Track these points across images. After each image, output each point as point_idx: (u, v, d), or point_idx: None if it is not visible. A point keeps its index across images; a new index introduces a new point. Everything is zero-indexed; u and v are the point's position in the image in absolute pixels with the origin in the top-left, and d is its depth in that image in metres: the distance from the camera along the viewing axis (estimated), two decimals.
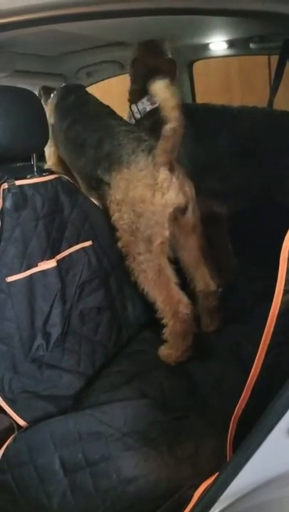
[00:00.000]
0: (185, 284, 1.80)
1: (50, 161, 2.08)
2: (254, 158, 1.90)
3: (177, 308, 1.68)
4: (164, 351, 1.74)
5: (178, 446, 1.31)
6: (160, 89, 1.49)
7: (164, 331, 1.73)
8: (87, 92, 2.08)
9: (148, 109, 2.01)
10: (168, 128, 1.53)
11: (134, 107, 2.02)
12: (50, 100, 2.08)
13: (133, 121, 2.03)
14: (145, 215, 1.63)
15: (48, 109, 2.01)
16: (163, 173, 1.61)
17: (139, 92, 2.02)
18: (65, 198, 1.69)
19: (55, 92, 2.10)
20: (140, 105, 2.01)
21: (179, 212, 1.68)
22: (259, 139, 1.88)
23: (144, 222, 1.63)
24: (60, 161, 2.07)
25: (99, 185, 1.78)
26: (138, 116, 2.01)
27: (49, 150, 2.08)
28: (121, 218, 1.68)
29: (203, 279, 1.84)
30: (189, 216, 1.72)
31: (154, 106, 1.97)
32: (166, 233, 1.65)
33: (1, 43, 1.70)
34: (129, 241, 1.68)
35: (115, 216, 1.71)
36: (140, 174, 1.62)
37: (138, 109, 2.01)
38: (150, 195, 1.61)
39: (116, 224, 1.72)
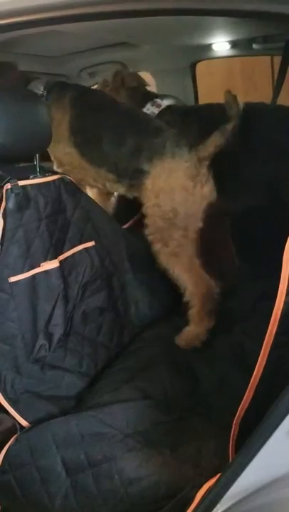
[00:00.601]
0: None
1: (69, 166, 2.06)
2: (258, 154, 1.91)
3: (207, 289, 1.82)
4: (190, 333, 1.83)
5: (180, 446, 1.31)
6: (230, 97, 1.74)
7: (189, 313, 1.84)
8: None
9: (156, 112, 2.15)
10: (230, 125, 1.71)
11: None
12: (55, 98, 2.04)
13: None
14: (185, 204, 1.75)
15: (59, 107, 2.00)
16: (204, 168, 1.76)
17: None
18: (67, 199, 1.69)
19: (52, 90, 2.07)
20: (146, 111, 2.14)
21: (211, 207, 1.80)
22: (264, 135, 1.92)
23: (184, 210, 1.75)
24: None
25: (133, 175, 1.86)
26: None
27: (63, 152, 2.04)
28: (156, 205, 1.77)
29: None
30: (217, 212, 1.85)
31: (160, 109, 2.15)
32: (201, 224, 1.78)
33: (4, 44, 1.70)
34: (163, 227, 1.77)
35: (150, 203, 1.80)
36: (184, 165, 1.74)
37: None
38: (192, 185, 1.74)
39: (148, 210, 1.82)
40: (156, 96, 2.26)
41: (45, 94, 2.01)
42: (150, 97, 2.22)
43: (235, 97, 1.75)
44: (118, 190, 1.98)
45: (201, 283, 1.81)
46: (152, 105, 2.16)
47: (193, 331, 1.83)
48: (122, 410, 1.44)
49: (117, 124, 1.90)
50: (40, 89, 2.02)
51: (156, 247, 1.81)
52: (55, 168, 2.07)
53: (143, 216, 1.87)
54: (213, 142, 1.74)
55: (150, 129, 1.85)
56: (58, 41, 1.98)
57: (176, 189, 1.75)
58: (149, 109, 2.15)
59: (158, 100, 2.20)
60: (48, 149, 1.97)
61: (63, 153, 2.02)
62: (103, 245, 1.82)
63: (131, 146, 1.83)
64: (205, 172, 1.77)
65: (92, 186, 2.12)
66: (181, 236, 1.76)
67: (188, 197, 1.75)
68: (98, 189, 2.13)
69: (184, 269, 1.79)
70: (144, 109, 2.14)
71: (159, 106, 2.16)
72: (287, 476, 0.90)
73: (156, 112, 2.15)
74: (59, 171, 1.99)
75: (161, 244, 1.80)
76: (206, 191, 1.77)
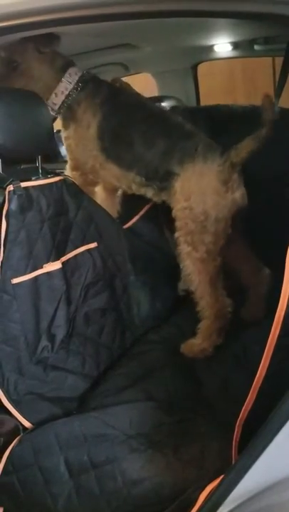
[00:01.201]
0: None
1: (90, 169, 1.97)
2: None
3: (223, 305, 1.80)
4: (195, 346, 1.81)
5: (183, 448, 1.31)
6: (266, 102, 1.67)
7: (199, 326, 1.83)
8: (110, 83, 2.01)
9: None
10: (264, 131, 1.67)
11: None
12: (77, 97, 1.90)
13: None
14: (216, 208, 1.73)
15: (89, 108, 1.89)
16: (236, 173, 1.74)
17: None
18: (70, 200, 1.69)
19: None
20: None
21: (239, 212, 1.79)
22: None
23: (215, 213, 1.73)
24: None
25: (163, 177, 1.83)
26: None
27: (88, 155, 1.94)
28: (187, 208, 1.76)
29: (256, 266, 1.98)
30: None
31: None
32: (229, 230, 1.78)
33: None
34: (194, 231, 1.76)
35: (180, 205, 1.78)
36: (216, 169, 1.73)
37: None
38: (224, 190, 1.73)
39: (178, 213, 1.79)
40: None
41: (77, 86, 1.89)
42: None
43: (271, 102, 1.70)
44: (146, 193, 1.93)
45: (218, 296, 1.80)
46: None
47: (200, 344, 1.81)
48: (125, 411, 1.44)
49: (148, 126, 1.85)
50: (69, 80, 1.88)
51: (186, 249, 1.78)
52: (68, 170, 2.03)
53: (171, 220, 1.84)
54: (247, 147, 1.71)
55: (182, 132, 1.82)
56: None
57: (208, 192, 1.74)
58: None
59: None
60: (66, 150, 1.98)
61: (88, 156, 1.94)
62: (106, 246, 1.83)
63: (162, 148, 1.80)
64: (236, 177, 1.75)
65: (113, 186, 2.06)
66: (211, 242, 1.75)
67: (219, 201, 1.74)
68: (121, 189, 2.08)
69: (208, 277, 1.78)
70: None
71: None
72: None
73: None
74: (69, 173, 1.97)
75: (191, 248, 1.77)
76: (237, 196, 1.76)
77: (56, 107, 1.90)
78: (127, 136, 1.86)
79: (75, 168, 1.99)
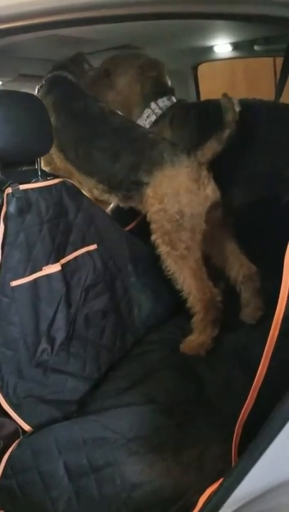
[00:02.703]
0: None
1: (54, 166, 2.05)
2: (255, 149, 1.91)
3: (211, 296, 1.82)
4: (193, 341, 1.83)
5: (183, 451, 1.30)
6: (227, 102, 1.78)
7: (192, 321, 1.85)
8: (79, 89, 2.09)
9: (168, 104, 2.12)
10: (226, 132, 1.76)
11: (153, 105, 2.11)
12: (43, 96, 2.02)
13: (153, 117, 2.11)
14: (191, 205, 1.78)
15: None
16: (204, 171, 1.81)
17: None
18: (69, 202, 1.69)
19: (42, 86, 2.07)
20: (160, 103, 2.11)
21: (213, 207, 1.86)
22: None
23: (190, 211, 1.78)
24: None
25: (129, 187, 1.89)
26: (159, 112, 2.11)
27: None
28: (162, 210, 1.80)
29: (244, 264, 2.02)
30: (219, 211, 1.93)
31: (171, 103, 2.13)
32: (204, 225, 1.82)
33: (6, 48, 1.70)
34: (170, 230, 1.80)
35: (154, 208, 1.82)
36: (186, 170, 1.79)
37: (159, 106, 2.11)
38: (196, 187, 1.79)
39: (154, 216, 1.83)
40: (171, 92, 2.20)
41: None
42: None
43: (231, 102, 1.77)
44: (109, 199, 2.00)
45: (205, 289, 1.82)
46: (168, 99, 2.12)
47: (197, 339, 1.83)
48: (125, 415, 1.43)
49: (109, 141, 1.89)
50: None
51: (165, 249, 1.82)
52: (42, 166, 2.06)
53: (146, 222, 1.87)
54: (210, 149, 1.79)
55: (146, 143, 1.85)
56: (60, 44, 1.98)
57: (181, 192, 1.78)
58: (164, 101, 2.12)
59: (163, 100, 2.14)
60: None
61: (52, 155, 2.00)
62: (106, 248, 1.82)
63: (127, 163, 1.85)
64: (206, 173, 1.81)
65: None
66: (189, 238, 1.79)
67: (193, 198, 1.78)
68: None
69: (191, 272, 1.81)
70: (159, 101, 2.11)
71: (171, 101, 2.13)
72: None
73: (169, 105, 2.11)
74: (46, 169, 1.98)
75: (169, 248, 1.81)
76: (208, 191, 1.81)
77: None
78: (83, 147, 1.92)
79: (46, 163, 2.04)
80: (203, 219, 1.81)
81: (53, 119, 1.84)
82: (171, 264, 1.83)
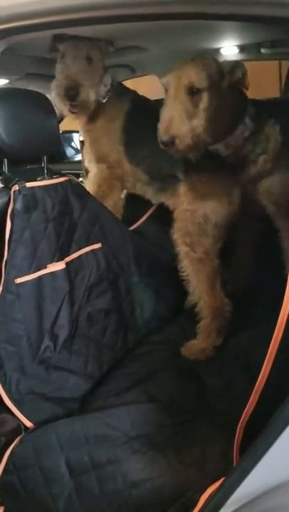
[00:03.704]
0: None
1: (113, 162, 2.04)
2: None
3: (221, 304, 1.83)
4: (195, 346, 1.82)
5: (185, 450, 1.31)
6: None
7: (198, 326, 1.85)
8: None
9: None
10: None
11: None
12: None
13: None
14: (216, 215, 1.81)
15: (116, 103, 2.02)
16: (237, 188, 1.83)
17: None
18: (74, 200, 1.70)
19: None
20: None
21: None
22: None
23: (214, 219, 1.81)
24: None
25: (164, 179, 1.93)
26: None
27: (111, 148, 2.02)
28: (189, 211, 1.83)
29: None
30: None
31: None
32: (225, 237, 1.87)
33: (13, 46, 1.71)
34: (192, 232, 1.81)
35: (182, 208, 1.85)
36: (221, 185, 1.82)
37: None
38: (226, 201, 1.81)
39: (180, 215, 1.85)
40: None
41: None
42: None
43: None
44: (146, 193, 2.02)
45: (216, 296, 1.83)
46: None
47: (199, 344, 1.83)
48: (127, 413, 1.43)
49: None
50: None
51: (184, 250, 1.83)
52: (90, 164, 2.09)
53: (171, 219, 1.89)
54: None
55: None
56: None
57: (210, 201, 1.81)
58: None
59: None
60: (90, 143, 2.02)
61: (112, 149, 2.01)
62: (110, 247, 1.83)
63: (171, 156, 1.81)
64: (238, 191, 1.84)
65: (126, 188, 2.14)
66: (209, 244, 1.81)
67: (220, 210, 1.81)
68: (130, 191, 2.15)
69: (206, 277, 1.81)
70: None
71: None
72: None
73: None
74: (93, 167, 2.03)
75: (189, 249, 1.82)
76: (235, 209, 1.83)
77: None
78: (141, 134, 1.92)
79: (100, 159, 2.04)
80: (224, 231, 1.84)
81: (124, 114, 1.97)
82: (188, 266, 1.84)
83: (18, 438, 1.37)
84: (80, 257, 1.70)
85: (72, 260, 1.67)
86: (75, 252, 1.69)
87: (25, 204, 1.50)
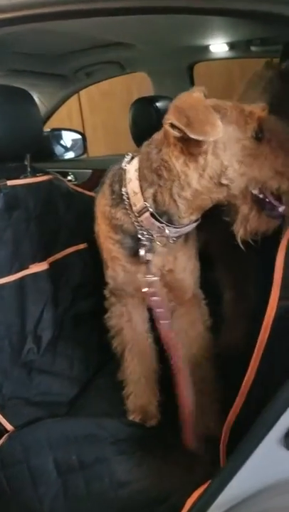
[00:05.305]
0: None
1: None
2: None
3: None
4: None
5: (173, 451, 1.29)
6: None
7: None
8: None
9: None
10: None
11: None
12: None
13: None
14: None
15: None
16: None
17: None
18: (59, 200, 1.67)
19: None
20: None
21: None
22: None
23: None
24: None
25: None
26: None
27: None
28: None
29: None
30: None
31: None
32: None
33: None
34: None
35: None
36: None
37: None
38: None
39: None
40: None
41: None
42: None
43: None
44: None
45: None
46: None
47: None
48: (118, 414, 1.42)
49: None
50: None
51: None
52: None
53: None
54: None
55: None
56: (54, 40, 1.96)
57: None
58: None
59: None
60: None
61: None
62: (96, 248, 1.80)
63: None
64: None
65: None
66: None
67: None
68: None
69: None
70: None
71: None
72: (278, 485, 0.88)
73: None
74: None
75: None
76: None
77: None
78: None
79: None
80: None
81: None
82: None
83: (7, 435, 1.35)
84: (64, 257, 1.67)
85: (56, 261, 1.64)
86: (59, 252, 1.66)
87: (6, 202, 1.47)
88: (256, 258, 1.56)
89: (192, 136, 1.00)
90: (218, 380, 1.40)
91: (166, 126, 1.06)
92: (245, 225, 1.14)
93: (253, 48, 2.33)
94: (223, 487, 0.90)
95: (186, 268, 1.32)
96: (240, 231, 1.15)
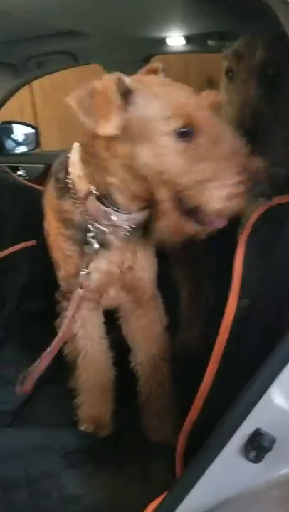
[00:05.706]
0: None
1: None
2: None
3: None
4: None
5: (126, 463, 1.24)
6: None
7: None
8: None
9: None
10: None
11: None
12: None
13: None
14: None
15: None
16: None
17: None
18: (6, 194, 1.58)
19: None
20: None
21: None
22: None
23: None
24: None
25: None
26: None
27: None
28: None
29: None
30: None
31: None
32: None
33: None
34: None
35: None
36: None
37: None
38: None
39: None
40: None
41: None
42: None
43: None
44: None
45: None
46: None
47: None
48: (66, 424, 1.35)
49: None
50: None
51: None
52: None
53: None
54: None
55: None
56: (2, 25, 1.85)
57: None
58: None
59: None
60: None
61: None
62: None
63: None
64: None
65: None
66: None
67: None
68: None
69: None
70: None
71: None
72: (238, 498, 0.83)
73: None
74: None
75: None
76: None
77: None
78: None
79: None
80: None
81: None
82: None
83: None
84: (11, 254, 1.59)
85: (1, 258, 1.55)
86: (5, 249, 1.57)
87: None
88: (213, 255, 1.53)
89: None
90: (175, 383, 1.35)
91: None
92: (160, 223, 1.06)
93: (210, 42, 2.29)
94: (180, 500, 0.84)
95: (146, 266, 1.26)
96: (156, 228, 1.07)
